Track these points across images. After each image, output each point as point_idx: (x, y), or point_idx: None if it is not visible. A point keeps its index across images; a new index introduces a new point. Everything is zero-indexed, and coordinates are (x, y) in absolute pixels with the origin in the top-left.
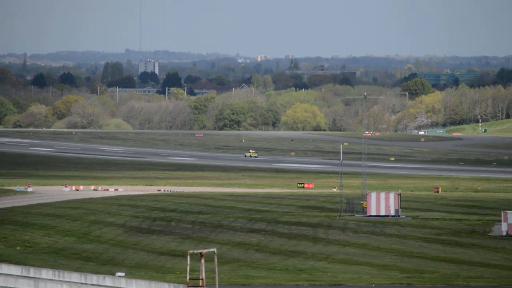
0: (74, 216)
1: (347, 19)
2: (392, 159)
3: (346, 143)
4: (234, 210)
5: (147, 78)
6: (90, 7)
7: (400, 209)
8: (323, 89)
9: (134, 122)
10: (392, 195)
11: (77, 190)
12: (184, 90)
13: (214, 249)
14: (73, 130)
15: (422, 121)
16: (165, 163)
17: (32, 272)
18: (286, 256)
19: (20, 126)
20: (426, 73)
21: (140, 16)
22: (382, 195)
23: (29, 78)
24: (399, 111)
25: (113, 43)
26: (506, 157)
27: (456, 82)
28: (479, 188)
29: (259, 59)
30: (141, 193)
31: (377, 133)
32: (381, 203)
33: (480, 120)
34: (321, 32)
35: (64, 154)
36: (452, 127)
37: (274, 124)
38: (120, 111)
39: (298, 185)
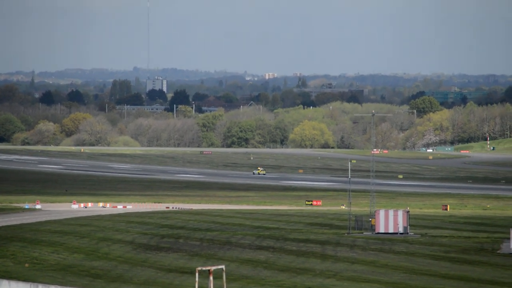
0: (82, 233)
1: (354, 37)
2: (401, 176)
3: (354, 161)
4: (242, 227)
5: (155, 95)
6: (98, 25)
7: (408, 227)
8: (331, 107)
9: (142, 139)
10: (400, 213)
11: (86, 207)
12: (192, 108)
13: (223, 266)
14: (81, 148)
15: (430, 138)
16: (174, 180)
17: None
18: (294, 273)
19: (28, 143)
20: (434, 91)
21: (148, 34)
22: (391, 212)
23: (37, 95)
24: (407, 129)
25: (121, 61)
26: None
27: (464, 100)
28: (488, 206)
29: (267, 77)
30: (150, 210)
31: (385, 151)
32: (390, 221)
33: (488, 138)
34: (329, 50)
35: (72, 171)
36: (460, 145)
37: (282, 142)
38: (128, 128)
39: (307, 202)
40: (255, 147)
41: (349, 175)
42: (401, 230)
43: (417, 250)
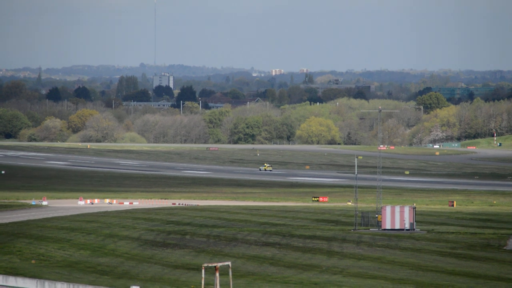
0: (89, 229)
1: (361, 33)
2: (407, 172)
3: (361, 157)
4: (248, 223)
5: (161, 92)
6: (105, 22)
7: (415, 223)
8: (337, 103)
9: (149, 135)
10: (407, 209)
11: (92, 204)
12: (199, 104)
13: (229, 263)
14: (88, 144)
15: (437, 135)
16: (180, 176)
17: (47, 285)
18: (300, 270)
19: (35, 139)
20: (440, 87)
21: (155, 30)
22: (397, 208)
23: (44, 92)
24: (414, 125)
25: (128, 57)
26: None
27: (470, 96)
28: (494, 202)
29: (273, 73)
30: (156, 206)
31: (392, 147)
32: (396, 217)
33: (495, 134)
34: (335, 46)
35: (79, 167)
36: (467, 141)
37: (289, 138)
38: (134, 124)
39: (313, 198)
40: (262, 143)
41: (356, 171)
42: (407, 226)
43: (424, 246)
